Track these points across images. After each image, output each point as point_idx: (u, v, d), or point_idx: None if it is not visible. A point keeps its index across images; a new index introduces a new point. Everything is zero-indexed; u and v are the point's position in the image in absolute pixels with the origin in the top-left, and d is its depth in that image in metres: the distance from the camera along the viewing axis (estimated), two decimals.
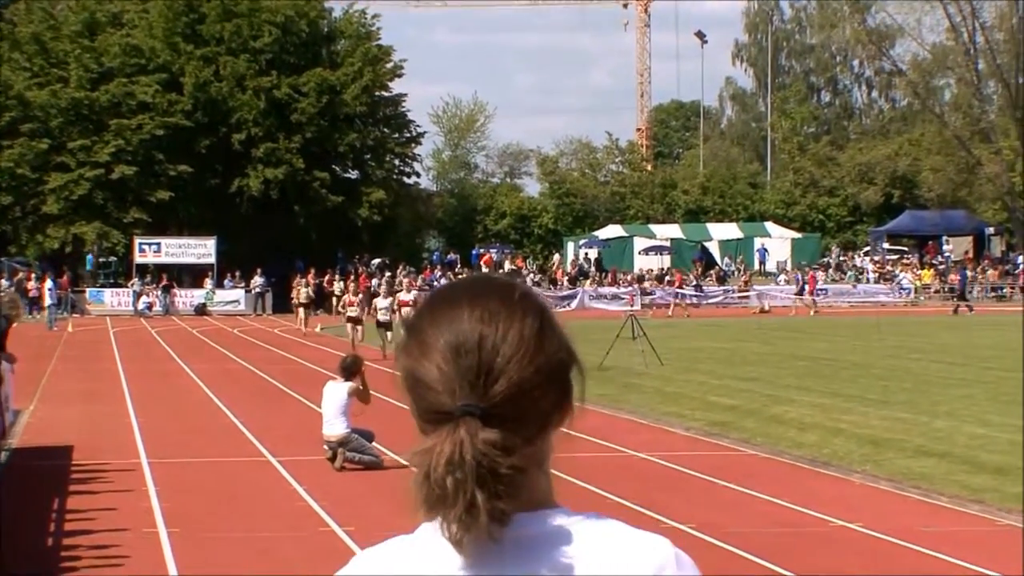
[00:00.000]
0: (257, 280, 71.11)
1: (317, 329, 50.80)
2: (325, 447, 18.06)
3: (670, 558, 2.15)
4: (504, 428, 2.10)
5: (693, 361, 35.46)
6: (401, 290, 45.25)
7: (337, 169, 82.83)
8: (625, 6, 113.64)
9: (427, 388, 2.13)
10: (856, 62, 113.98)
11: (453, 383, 2.11)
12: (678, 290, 70.35)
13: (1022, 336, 36.10)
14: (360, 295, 44.94)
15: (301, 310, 51.97)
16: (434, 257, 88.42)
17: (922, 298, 76.90)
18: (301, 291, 52.90)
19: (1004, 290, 79.34)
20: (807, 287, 68.21)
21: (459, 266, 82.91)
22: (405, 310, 36.43)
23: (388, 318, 37.06)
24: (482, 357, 2.12)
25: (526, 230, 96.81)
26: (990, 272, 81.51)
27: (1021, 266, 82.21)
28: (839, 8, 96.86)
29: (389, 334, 36.11)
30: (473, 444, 2.07)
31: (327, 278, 68.78)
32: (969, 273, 78.23)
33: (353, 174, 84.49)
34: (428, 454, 2.09)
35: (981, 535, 13.63)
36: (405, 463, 2.19)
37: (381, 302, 38.08)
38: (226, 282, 72.58)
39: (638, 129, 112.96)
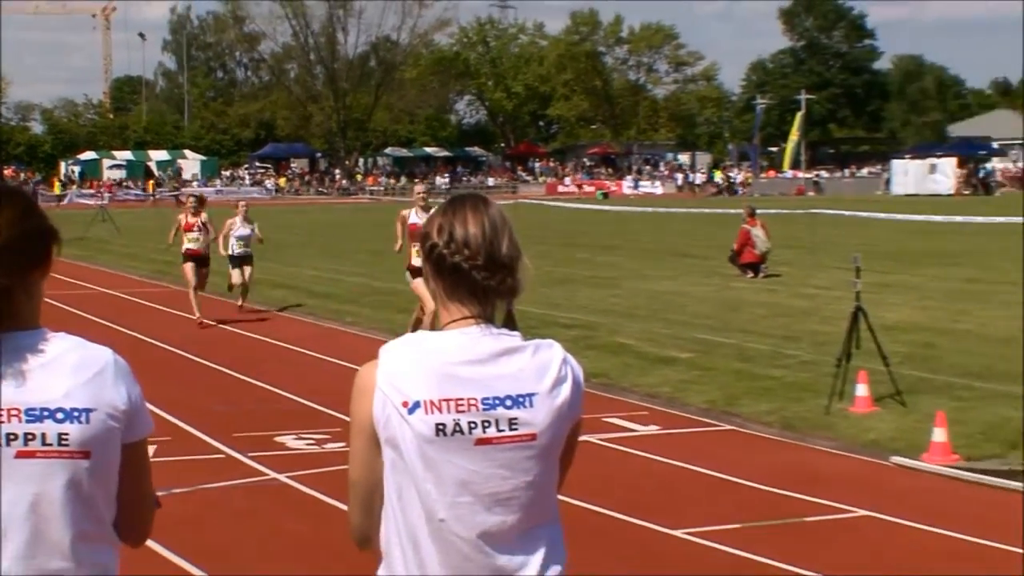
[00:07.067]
0: None
1: None
2: None
3: (110, 360, 2.53)
4: None
5: (143, 234, 37.84)
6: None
7: None
8: (94, 15, 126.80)
9: None
10: (239, 53, 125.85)
11: None
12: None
13: None
14: None
15: None
16: None
17: None
18: None
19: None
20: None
21: None
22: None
23: None
24: None
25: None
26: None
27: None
28: (226, 18, 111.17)
29: None
30: None
31: None
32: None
33: None
34: None
35: None
36: None
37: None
38: None
39: (104, 92, 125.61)
